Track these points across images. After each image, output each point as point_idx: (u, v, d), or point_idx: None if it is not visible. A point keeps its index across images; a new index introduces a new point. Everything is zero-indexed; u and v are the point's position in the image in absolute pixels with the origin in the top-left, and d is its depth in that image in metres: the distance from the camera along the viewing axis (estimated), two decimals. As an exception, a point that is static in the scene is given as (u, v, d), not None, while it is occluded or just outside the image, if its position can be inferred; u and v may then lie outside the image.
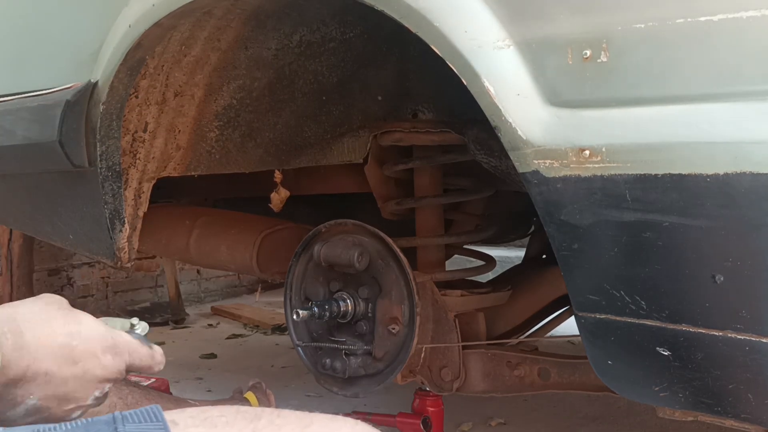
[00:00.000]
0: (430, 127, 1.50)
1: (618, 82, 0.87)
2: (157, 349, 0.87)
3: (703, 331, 0.87)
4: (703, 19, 0.81)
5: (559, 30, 0.90)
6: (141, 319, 0.91)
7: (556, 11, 0.90)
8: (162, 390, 1.75)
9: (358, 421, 0.73)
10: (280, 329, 3.26)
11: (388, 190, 1.68)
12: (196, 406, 1.52)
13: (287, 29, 1.46)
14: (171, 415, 0.68)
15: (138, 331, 0.89)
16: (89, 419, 0.68)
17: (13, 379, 0.75)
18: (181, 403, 1.51)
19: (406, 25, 1.01)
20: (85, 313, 0.84)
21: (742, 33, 0.79)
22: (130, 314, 3.36)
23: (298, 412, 0.73)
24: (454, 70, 0.97)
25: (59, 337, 0.78)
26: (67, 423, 0.68)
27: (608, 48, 0.86)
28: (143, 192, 1.51)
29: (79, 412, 0.82)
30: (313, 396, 2.28)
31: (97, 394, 0.82)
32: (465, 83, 0.96)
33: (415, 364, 1.55)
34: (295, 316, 1.48)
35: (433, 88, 1.55)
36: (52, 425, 0.68)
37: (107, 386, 0.82)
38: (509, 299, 1.70)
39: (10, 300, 2.33)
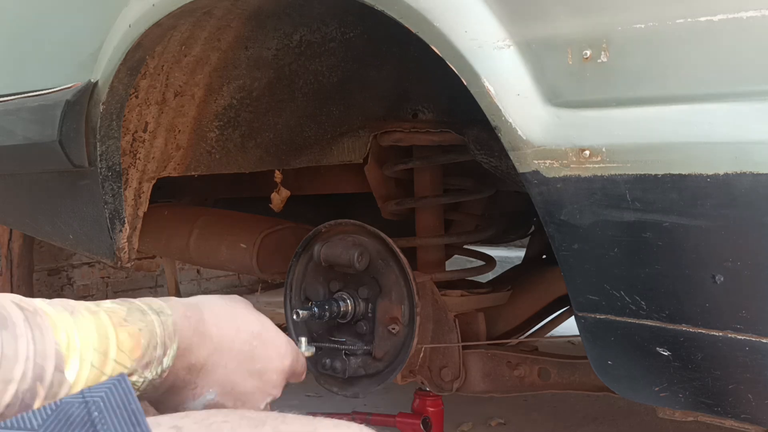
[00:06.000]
0: (430, 127, 1.50)
1: (618, 82, 0.87)
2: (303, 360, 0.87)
3: (703, 331, 0.87)
4: (703, 19, 0.81)
5: (559, 30, 0.90)
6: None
7: (556, 11, 0.90)
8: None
9: (363, 426, 0.72)
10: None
11: (388, 190, 1.68)
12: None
13: (287, 29, 1.46)
14: (174, 420, 0.66)
15: (302, 349, 0.91)
16: (59, 401, 0.60)
17: (194, 364, 0.72)
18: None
19: (406, 25, 1.01)
20: (266, 317, 0.83)
21: (742, 33, 0.79)
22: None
23: (302, 417, 0.70)
24: (454, 71, 0.97)
25: (242, 333, 0.76)
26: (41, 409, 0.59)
27: (608, 48, 0.86)
28: (143, 192, 1.51)
29: None
30: (313, 396, 2.27)
31: (268, 400, 0.80)
32: (465, 83, 0.96)
33: (415, 364, 1.55)
34: (295, 316, 1.48)
35: (433, 88, 1.55)
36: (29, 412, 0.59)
37: (277, 392, 0.81)
38: (509, 299, 1.70)
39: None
